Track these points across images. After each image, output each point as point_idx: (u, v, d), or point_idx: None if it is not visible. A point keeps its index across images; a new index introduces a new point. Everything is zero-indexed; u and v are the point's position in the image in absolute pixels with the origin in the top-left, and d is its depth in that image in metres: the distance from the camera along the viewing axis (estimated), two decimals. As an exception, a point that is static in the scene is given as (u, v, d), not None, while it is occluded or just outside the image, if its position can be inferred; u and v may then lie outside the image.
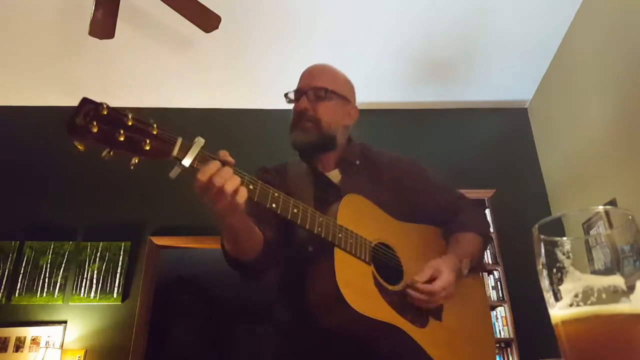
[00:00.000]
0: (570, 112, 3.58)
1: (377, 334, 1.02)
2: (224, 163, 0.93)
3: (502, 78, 3.97)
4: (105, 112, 0.85)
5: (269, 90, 4.03)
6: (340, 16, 3.38)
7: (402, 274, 1.12)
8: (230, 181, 0.90)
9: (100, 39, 2.79)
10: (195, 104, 4.14)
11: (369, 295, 1.01)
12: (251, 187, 0.93)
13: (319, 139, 1.22)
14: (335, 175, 1.25)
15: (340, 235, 1.00)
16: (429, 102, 4.20)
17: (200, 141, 0.93)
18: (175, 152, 0.90)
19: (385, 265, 1.09)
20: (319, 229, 0.98)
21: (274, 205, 0.95)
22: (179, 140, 0.91)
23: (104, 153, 0.84)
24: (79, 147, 0.82)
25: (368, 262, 1.04)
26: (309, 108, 1.24)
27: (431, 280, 1.07)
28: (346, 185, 1.20)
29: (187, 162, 0.90)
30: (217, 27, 2.79)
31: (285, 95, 1.34)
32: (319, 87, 1.27)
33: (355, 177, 1.24)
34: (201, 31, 2.80)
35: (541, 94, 4.04)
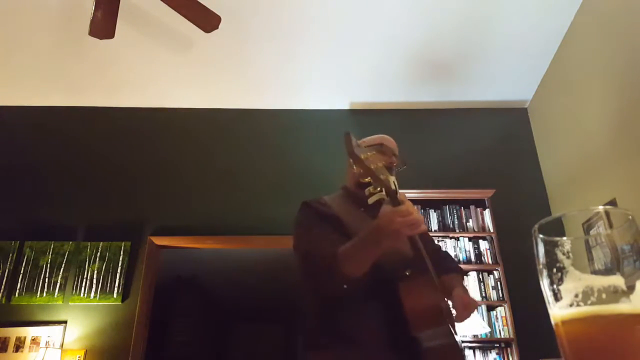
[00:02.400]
0: (570, 112, 3.58)
1: (449, 341, 1.24)
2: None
3: (502, 78, 3.97)
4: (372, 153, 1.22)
5: (269, 91, 4.04)
6: (341, 17, 3.38)
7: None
8: (420, 218, 1.17)
9: (100, 39, 2.79)
10: (195, 104, 4.14)
11: (446, 311, 1.29)
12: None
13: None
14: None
15: (429, 263, 1.27)
16: (429, 102, 4.20)
17: (394, 180, 1.27)
18: (392, 187, 1.20)
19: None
20: (425, 257, 1.28)
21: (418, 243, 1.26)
22: (389, 178, 1.21)
23: (362, 176, 1.16)
24: (355, 167, 1.15)
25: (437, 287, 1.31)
26: (395, 169, 1.53)
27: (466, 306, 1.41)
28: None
29: (393, 199, 1.17)
30: (217, 27, 2.79)
31: (383, 145, 1.58)
32: (396, 155, 1.58)
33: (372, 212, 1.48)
34: (201, 31, 2.80)
35: (541, 94, 4.04)
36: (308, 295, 1.42)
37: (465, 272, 1.72)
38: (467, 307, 1.38)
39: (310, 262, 1.31)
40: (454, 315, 1.35)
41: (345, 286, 1.24)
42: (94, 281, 3.45)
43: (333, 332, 1.30)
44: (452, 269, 1.59)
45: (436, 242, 1.79)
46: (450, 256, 1.72)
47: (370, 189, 1.12)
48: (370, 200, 1.13)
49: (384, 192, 1.15)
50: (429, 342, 1.20)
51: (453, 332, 1.32)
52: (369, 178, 1.13)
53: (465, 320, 1.40)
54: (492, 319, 3.26)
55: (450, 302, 1.38)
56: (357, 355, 1.24)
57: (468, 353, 3.13)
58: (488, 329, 3.12)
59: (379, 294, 1.28)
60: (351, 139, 1.11)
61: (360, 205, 1.49)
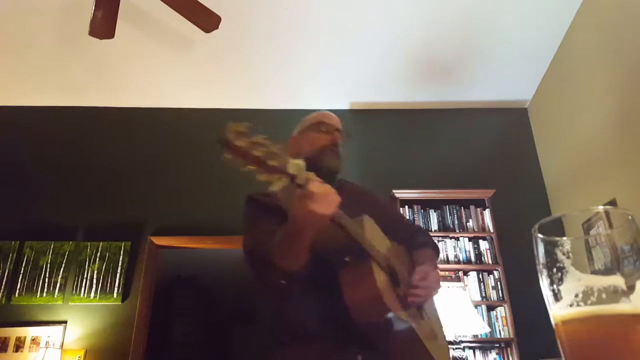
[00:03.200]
0: (570, 112, 3.58)
1: (397, 332, 1.20)
2: None
3: (502, 78, 3.97)
4: (243, 130, 1.04)
5: (269, 91, 4.04)
6: (342, 17, 3.38)
7: (398, 279, 1.32)
8: (335, 195, 1.09)
9: (100, 39, 2.79)
10: (195, 104, 4.14)
11: (392, 298, 1.21)
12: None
13: (339, 170, 1.48)
14: None
15: (372, 249, 1.21)
16: (429, 102, 4.20)
17: (304, 164, 1.10)
18: (290, 170, 1.06)
19: (392, 273, 1.31)
20: (361, 242, 1.18)
21: (343, 222, 1.14)
22: (290, 161, 1.07)
23: (242, 166, 1.04)
24: (227, 157, 1.02)
25: (387, 272, 1.25)
26: (341, 144, 1.49)
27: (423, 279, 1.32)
28: (347, 210, 1.38)
29: (300, 180, 1.04)
30: (217, 27, 2.79)
31: (320, 124, 1.53)
32: (340, 129, 1.52)
33: (349, 204, 1.41)
34: (201, 31, 2.80)
35: (541, 94, 4.04)
36: (262, 294, 1.42)
37: (437, 248, 1.63)
38: (424, 278, 1.31)
39: (253, 260, 1.28)
40: (416, 292, 1.29)
41: (283, 282, 1.19)
42: (94, 281, 3.45)
43: (290, 329, 1.29)
44: (422, 243, 1.53)
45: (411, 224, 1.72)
46: (423, 231, 1.67)
47: (263, 176, 1.01)
48: (272, 189, 1.04)
49: (286, 178, 1.04)
50: (384, 328, 1.17)
51: (416, 314, 1.30)
52: (255, 166, 1.02)
53: (427, 297, 1.33)
54: (492, 319, 3.26)
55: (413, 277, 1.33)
56: (316, 350, 1.22)
57: (468, 353, 3.13)
58: (488, 329, 3.12)
59: (326, 283, 1.23)
60: (232, 127, 0.99)
61: None
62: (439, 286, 1.37)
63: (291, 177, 1.02)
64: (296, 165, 1.02)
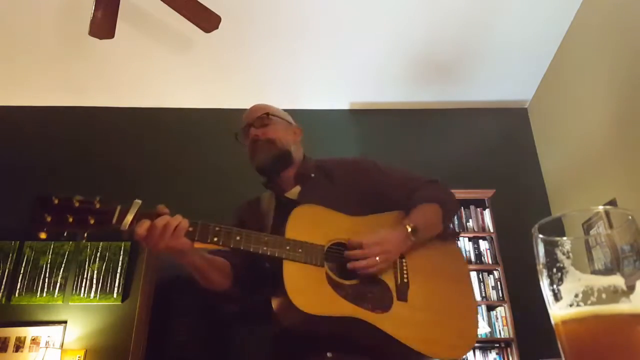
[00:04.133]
0: (570, 112, 3.58)
1: (337, 328, 1.10)
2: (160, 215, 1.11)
3: (502, 78, 3.97)
4: (56, 202, 1.10)
5: (269, 91, 4.03)
6: (341, 17, 3.38)
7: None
8: (172, 220, 1.09)
9: (100, 39, 2.79)
10: (195, 104, 4.14)
11: (323, 296, 1.10)
12: (191, 228, 1.10)
13: (275, 154, 1.36)
14: (294, 192, 1.37)
15: (287, 247, 1.11)
16: (429, 102, 4.20)
17: (136, 204, 1.15)
18: (114, 221, 1.10)
19: (342, 261, 1.17)
20: (264, 248, 1.10)
21: (215, 239, 1.10)
22: (117, 209, 1.13)
23: (63, 235, 1.06)
24: (42, 236, 1.03)
25: (319, 264, 1.13)
26: (259, 134, 1.38)
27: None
28: (304, 198, 1.31)
29: (124, 227, 1.08)
30: (217, 27, 2.79)
31: (236, 136, 1.48)
32: (260, 116, 1.42)
33: (312, 188, 1.35)
34: (201, 31, 2.80)
35: (541, 94, 4.04)
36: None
37: (444, 202, 1.31)
38: (374, 244, 1.13)
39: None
40: (353, 264, 1.13)
41: (222, 305, 1.25)
42: (94, 281, 3.45)
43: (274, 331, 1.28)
44: (423, 198, 1.29)
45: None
46: (432, 184, 1.38)
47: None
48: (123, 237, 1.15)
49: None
50: None
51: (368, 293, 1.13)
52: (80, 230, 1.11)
53: (371, 269, 1.13)
54: (492, 319, 3.26)
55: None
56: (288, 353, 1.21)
57: (468, 353, 3.13)
58: (488, 329, 3.12)
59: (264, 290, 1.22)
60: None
61: (277, 205, 1.37)
62: (387, 251, 1.13)
63: (119, 226, 1.07)
64: (124, 210, 1.10)
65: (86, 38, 2.79)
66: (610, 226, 0.43)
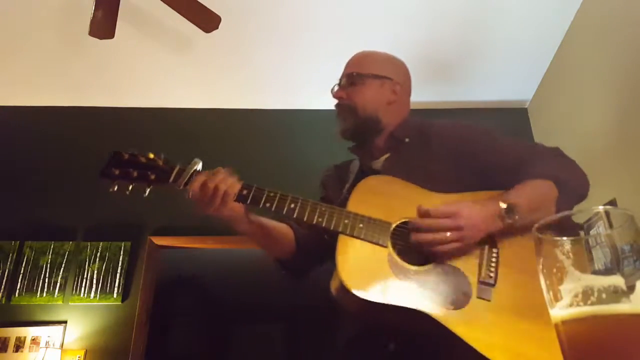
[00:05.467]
0: (570, 112, 3.58)
1: (394, 319, 0.95)
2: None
3: (502, 78, 3.97)
4: (126, 157, 1.14)
5: (270, 90, 4.03)
6: (342, 17, 3.38)
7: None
8: (224, 180, 1.06)
9: (100, 39, 2.79)
10: (196, 104, 4.14)
11: (378, 279, 0.94)
12: (244, 192, 1.05)
13: (356, 124, 1.23)
14: (382, 159, 1.23)
15: (346, 221, 0.97)
16: (429, 102, 4.20)
17: (194, 163, 1.14)
18: (171, 179, 1.12)
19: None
20: (320, 219, 0.98)
21: (267, 204, 1.02)
22: (176, 168, 1.14)
23: (128, 190, 1.15)
24: (111, 189, 1.15)
25: (382, 244, 0.98)
26: (342, 95, 1.27)
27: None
28: (388, 167, 1.17)
29: (181, 186, 1.10)
30: (217, 27, 2.79)
31: (331, 91, 1.35)
32: (349, 74, 1.31)
33: (400, 156, 1.20)
34: (201, 31, 2.80)
35: (541, 94, 4.04)
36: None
37: (556, 176, 1.07)
38: (449, 215, 0.91)
39: None
40: (417, 237, 0.95)
41: (283, 272, 1.18)
42: (94, 281, 3.45)
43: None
44: (536, 175, 1.05)
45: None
46: (540, 158, 1.14)
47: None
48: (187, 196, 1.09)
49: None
50: None
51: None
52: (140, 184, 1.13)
53: (439, 246, 0.93)
54: (492, 319, 3.26)
55: None
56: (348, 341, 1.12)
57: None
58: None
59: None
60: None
61: (358, 175, 1.23)
62: (466, 232, 0.90)
63: (177, 185, 1.04)
64: (181, 170, 1.06)
65: (86, 38, 2.79)
66: (610, 226, 0.43)
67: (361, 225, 0.98)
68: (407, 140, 1.22)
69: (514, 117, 4.22)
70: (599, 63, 3.19)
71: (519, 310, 0.93)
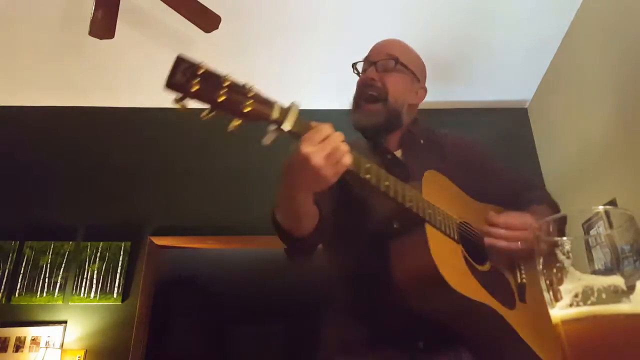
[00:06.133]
0: (570, 112, 3.58)
1: (470, 316, 0.94)
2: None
3: (502, 78, 3.97)
4: (201, 71, 0.83)
5: (269, 91, 4.00)
6: (341, 17, 3.38)
7: (486, 253, 1.03)
8: (343, 144, 0.84)
9: (100, 39, 2.79)
10: (195, 104, 4.13)
11: (462, 274, 0.94)
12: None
13: (385, 119, 1.16)
14: (398, 155, 1.20)
15: (430, 211, 0.94)
16: (429, 102, 4.16)
17: (296, 105, 0.88)
18: (275, 116, 0.84)
19: (470, 244, 1.02)
20: (410, 204, 0.91)
21: (368, 175, 0.89)
22: (277, 104, 0.86)
23: (203, 114, 0.82)
24: (179, 106, 0.83)
25: (457, 240, 0.99)
26: (376, 79, 1.18)
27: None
28: (411, 164, 1.13)
29: (286, 126, 0.84)
30: (217, 27, 2.79)
31: (354, 65, 1.26)
32: (390, 57, 1.21)
33: (419, 156, 1.18)
34: (201, 31, 2.80)
35: (541, 94, 4.04)
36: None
37: (556, 206, 1.21)
38: (510, 224, 0.97)
39: (273, 222, 1.07)
40: (492, 232, 0.98)
41: (290, 256, 1.01)
42: (94, 281, 3.45)
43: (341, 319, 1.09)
44: (536, 199, 1.16)
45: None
46: (540, 187, 1.29)
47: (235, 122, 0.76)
48: (264, 142, 0.82)
49: (274, 126, 0.81)
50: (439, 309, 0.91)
51: (508, 294, 0.97)
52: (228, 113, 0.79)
53: (508, 248, 0.98)
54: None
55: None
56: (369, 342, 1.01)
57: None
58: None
59: (374, 258, 0.99)
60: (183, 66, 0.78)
61: (385, 153, 1.15)
62: (527, 243, 0.98)
63: (277, 124, 0.82)
64: (283, 109, 0.83)
65: (86, 38, 2.79)
66: (610, 226, 0.43)
67: (440, 217, 0.96)
68: (421, 141, 1.22)
69: (514, 117, 4.23)
70: (599, 63, 3.19)
71: (543, 312, 0.99)
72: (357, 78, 1.34)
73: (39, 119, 4.06)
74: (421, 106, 4.70)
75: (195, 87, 0.82)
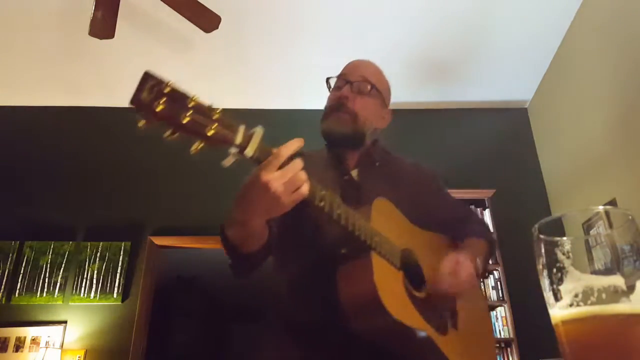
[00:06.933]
0: (570, 112, 3.58)
1: (406, 341, 0.99)
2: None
3: (502, 78, 3.97)
4: (167, 90, 0.79)
5: (269, 90, 4.04)
6: (341, 17, 3.38)
7: (423, 280, 1.10)
8: (301, 173, 0.85)
9: (100, 39, 2.79)
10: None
11: (401, 301, 1.00)
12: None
13: (352, 133, 1.20)
14: (354, 175, 1.23)
15: (377, 239, 0.98)
16: (429, 102, 4.20)
17: (260, 131, 0.87)
18: (238, 141, 0.82)
19: (411, 271, 1.08)
20: (359, 232, 0.95)
21: (322, 203, 0.90)
22: (242, 128, 0.83)
23: (166, 134, 0.77)
24: (141, 123, 0.77)
25: (399, 267, 1.04)
26: (350, 98, 1.21)
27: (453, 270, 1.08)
28: (366, 186, 1.18)
29: (249, 152, 0.83)
30: (217, 27, 2.79)
31: (327, 80, 1.31)
32: (366, 81, 1.24)
33: (374, 179, 1.22)
34: (201, 31, 2.80)
35: (541, 94, 4.04)
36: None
37: (492, 240, 1.33)
38: (453, 272, 1.06)
39: (221, 237, 1.06)
40: (436, 286, 1.07)
41: (235, 271, 1.02)
42: (94, 281, 3.45)
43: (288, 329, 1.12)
44: (474, 233, 1.27)
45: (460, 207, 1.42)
46: (479, 219, 1.41)
47: (197, 145, 0.76)
48: (226, 163, 0.81)
49: (235, 149, 0.80)
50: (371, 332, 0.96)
51: (441, 322, 1.06)
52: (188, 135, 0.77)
53: (451, 294, 1.08)
54: (492, 319, 3.26)
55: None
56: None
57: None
58: (488, 329, 3.12)
59: (322, 281, 1.01)
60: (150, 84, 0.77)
61: (343, 172, 1.20)
62: (469, 284, 1.08)
63: (239, 149, 0.81)
64: (247, 134, 0.82)
65: (86, 38, 2.79)
66: (610, 226, 0.43)
67: (385, 245, 1.00)
68: (377, 164, 1.27)
69: (514, 117, 4.23)
70: (599, 63, 3.19)
71: (471, 338, 1.16)
72: None
73: (39, 119, 4.06)
74: (422, 106, 4.68)
75: (160, 107, 0.76)
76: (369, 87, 1.23)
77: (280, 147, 0.86)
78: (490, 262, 3.33)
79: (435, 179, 1.37)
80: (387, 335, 0.96)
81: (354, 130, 1.20)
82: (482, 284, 3.35)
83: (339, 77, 1.30)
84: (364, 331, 0.96)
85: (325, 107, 1.29)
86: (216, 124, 0.80)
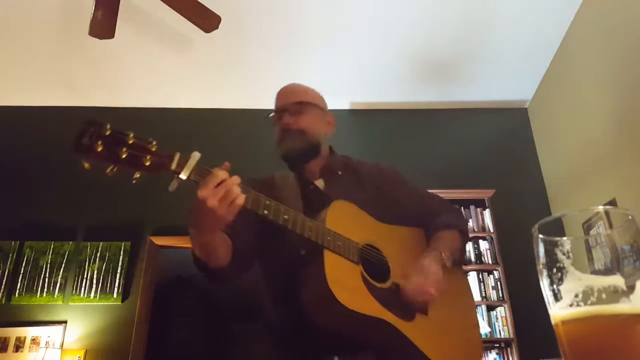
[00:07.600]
0: (570, 112, 3.58)
1: (366, 329, 1.07)
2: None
3: (502, 78, 3.97)
4: (108, 132, 0.94)
5: (269, 90, 4.02)
6: (341, 17, 3.38)
7: (389, 272, 1.19)
8: (235, 187, 0.96)
9: (100, 39, 2.79)
10: (195, 104, 4.14)
11: (358, 292, 1.08)
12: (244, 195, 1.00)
13: (306, 146, 1.31)
14: (320, 184, 1.33)
15: (329, 238, 1.07)
16: (429, 102, 4.20)
17: (196, 155, 1.00)
18: (173, 167, 0.96)
19: (373, 264, 1.17)
20: (309, 233, 1.05)
21: (265, 211, 1.01)
22: (177, 155, 0.98)
23: (108, 169, 0.93)
24: (85, 165, 0.94)
25: (356, 262, 1.12)
26: (291, 123, 1.32)
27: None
28: (331, 193, 1.27)
29: (184, 175, 0.96)
30: (217, 27, 2.79)
31: (267, 116, 1.41)
32: (299, 102, 1.35)
33: (338, 185, 1.32)
34: (201, 31, 2.80)
35: (541, 94, 4.04)
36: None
37: (465, 230, 1.40)
38: (418, 293, 1.13)
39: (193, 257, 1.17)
40: (405, 295, 1.14)
41: (210, 282, 1.16)
42: (94, 281, 3.45)
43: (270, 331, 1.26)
44: (445, 224, 1.33)
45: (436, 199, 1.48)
46: (451, 209, 1.47)
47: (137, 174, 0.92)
48: (170, 188, 0.96)
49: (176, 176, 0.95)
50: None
51: (406, 311, 1.12)
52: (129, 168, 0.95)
53: (422, 300, 1.15)
54: (492, 319, 3.26)
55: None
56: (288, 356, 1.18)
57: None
58: (488, 329, 3.12)
59: (282, 277, 1.17)
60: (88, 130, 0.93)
61: (308, 183, 1.31)
62: (437, 291, 1.14)
63: (176, 173, 0.95)
64: (182, 160, 0.95)
65: (86, 38, 2.79)
66: (610, 226, 0.43)
67: (339, 243, 1.09)
68: (339, 172, 1.36)
69: (514, 117, 4.23)
70: (599, 63, 3.19)
71: (445, 325, 1.22)
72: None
73: (39, 119, 4.06)
74: (422, 106, 4.68)
75: (100, 148, 0.92)
76: (303, 105, 1.34)
77: (216, 168, 0.98)
78: (490, 262, 3.36)
79: (396, 175, 1.43)
80: (346, 324, 1.04)
81: (307, 142, 1.31)
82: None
83: (276, 111, 1.40)
84: (326, 324, 1.04)
85: (275, 138, 1.39)
86: (150, 156, 0.95)
